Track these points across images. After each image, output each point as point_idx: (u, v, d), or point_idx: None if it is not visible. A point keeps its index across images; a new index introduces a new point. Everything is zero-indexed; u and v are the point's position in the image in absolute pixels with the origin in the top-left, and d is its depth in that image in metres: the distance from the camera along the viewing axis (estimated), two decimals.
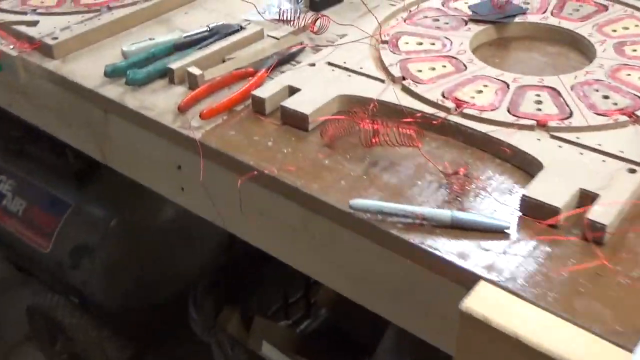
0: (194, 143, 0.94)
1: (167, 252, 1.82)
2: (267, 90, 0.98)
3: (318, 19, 1.15)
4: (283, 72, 1.06)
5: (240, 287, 1.47)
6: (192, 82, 1.03)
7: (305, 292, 1.53)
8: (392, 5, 1.23)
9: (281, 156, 0.90)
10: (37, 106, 1.17)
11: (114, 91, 1.03)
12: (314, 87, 0.98)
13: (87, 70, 1.08)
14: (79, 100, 1.07)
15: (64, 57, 1.12)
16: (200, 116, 0.96)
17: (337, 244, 0.85)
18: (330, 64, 1.04)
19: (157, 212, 1.81)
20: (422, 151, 0.86)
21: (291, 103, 0.95)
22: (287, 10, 1.20)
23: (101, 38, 1.16)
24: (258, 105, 0.97)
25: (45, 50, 1.11)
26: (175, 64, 1.04)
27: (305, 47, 1.11)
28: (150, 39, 1.12)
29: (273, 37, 1.13)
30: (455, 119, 0.91)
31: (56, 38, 1.12)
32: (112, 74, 1.05)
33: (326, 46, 1.11)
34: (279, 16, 1.18)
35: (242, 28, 1.15)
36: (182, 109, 0.98)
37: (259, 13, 1.19)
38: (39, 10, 1.20)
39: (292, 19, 1.17)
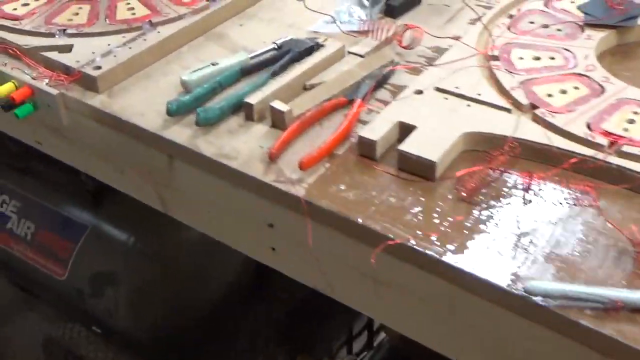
0: (294, 200, 0.77)
1: (194, 272, 1.67)
2: (375, 130, 0.81)
3: (407, 29, 0.97)
4: (380, 100, 0.89)
5: (309, 332, 1.31)
6: (277, 119, 0.85)
7: (369, 322, 1.38)
8: (482, 6, 1.06)
9: (411, 217, 0.73)
10: (76, 146, 0.98)
11: (181, 133, 0.86)
12: (430, 123, 0.81)
13: (141, 105, 0.90)
14: (136, 143, 0.89)
15: (110, 89, 0.93)
16: (300, 166, 0.78)
17: (493, 328, 0.69)
18: (439, 90, 0.87)
19: (181, 230, 1.66)
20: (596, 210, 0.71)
21: (410, 147, 0.78)
22: (366, 19, 1.02)
23: (149, 62, 0.98)
24: (366, 149, 0.80)
25: (88, 82, 0.92)
26: (253, 98, 0.87)
27: (397, 67, 0.94)
28: (212, 64, 0.93)
29: (355, 54, 0.96)
30: (613, 159, 0.75)
31: (99, 67, 0.93)
32: (177, 112, 0.87)
33: (423, 65, 0.94)
34: (358, 27, 1.00)
35: (318, 45, 0.97)
36: (273, 157, 0.80)
37: (337, 23, 1.01)
38: (69, 31, 1.01)
39: (373, 29, 0.99)
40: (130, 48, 0.97)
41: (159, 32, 1.00)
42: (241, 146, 0.83)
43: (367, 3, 1.05)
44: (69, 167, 1.71)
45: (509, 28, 0.97)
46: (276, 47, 0.98)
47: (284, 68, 0.94)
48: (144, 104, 0.91)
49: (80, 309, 1.62)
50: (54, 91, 0.89)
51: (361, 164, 0.80)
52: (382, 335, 1.45)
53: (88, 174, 1.01)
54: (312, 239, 0.76)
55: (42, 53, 0.97)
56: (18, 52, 0.97)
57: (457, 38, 0.97)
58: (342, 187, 0.77)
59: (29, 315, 1.94)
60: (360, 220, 0.73)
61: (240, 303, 1.77)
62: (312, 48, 0.98)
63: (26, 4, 1.08)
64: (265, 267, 0.86)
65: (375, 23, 1.00)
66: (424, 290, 0.72)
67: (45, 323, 1.81)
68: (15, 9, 1.06)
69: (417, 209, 0.74)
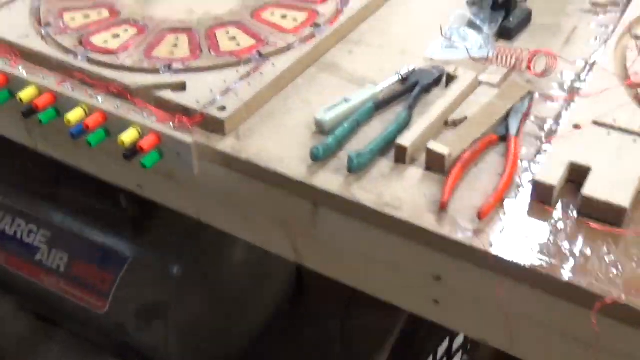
0: (474, 252, 0.72)
1: (240, 299, 1.63)
2: (551, 173, 0.76)
3: (537, 54, 0.93)
4: (530, 135, 0.85)
5: None
6: (434, 162, 0.80)
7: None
8: (597, 26, 1.02)
9: (612, 269, 0.69)
10: (189, 192, 0.91)
11: (330, 181, 0.80)
12: (602, 163, 0.77)
13: (276, 149, 0.84)
14: (273, 190, 0.83)
15: (236, 131, 0.87)
16: (478, 216, 0.74)
17: None
18: (598, 123, 0.82)
19: (224, 256, 1.61)
20: None
21: (595, 191, 0.74)
22: (485, 43, 0.97)
23: (268, 98, 0.92)
24: (542, 194, 0.76)
25: (212, 125, 0.86)
26: (405, 140, 0.81)
27: (533, 97, 0.90)
28: (345, 100, 0.87)
29: (488, 84, 0.91)
30: None
31: (224, 108, 0.86)
32: (323, 156, 0.81)
33: (565, 95, 0.90)
34: (485, 52, 0.96)
35: (449, 75, 0.91)
36: (445, 207, 0.75)
37: (459, 48, 0.96)
38: (175, 66, 0.93)
39: (499, 54, 0.95)
40: (249, 84, 0.90)
41: (273, 64, 0.93)
42: (401, 193, 0.78)
43: (482, 25, 1.00)
44: (103, 192, 1.64)
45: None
46: (401, 77, 0.93)
47: (416, 101, 0.89)
48: (278, 147, 0.84)
49: (122, 342, 1.56)
50: (187, 139, 0.82)
51: (536, 210, 0.76)
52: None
53: (201, 220, 0.94)
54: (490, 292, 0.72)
55: (155, 93, 0.89)
56: (126, 92, 0.90)
57: (592, 64, 0.93)
58: (526, 236, 0.73)
59: (44, 343, 1.85)
60: (565, 278, 0.68)
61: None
62: (440, 78, 0.93)
63: (116, 36, 1.00)
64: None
65: (502, 48, 0.95)
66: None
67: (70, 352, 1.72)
68: (106, 42, 0.98)
69: (611, 258, 0.70)
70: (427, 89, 0.92)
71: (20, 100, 0.89)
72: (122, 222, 1.62)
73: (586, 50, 0.98)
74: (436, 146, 0.80)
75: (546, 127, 0.86)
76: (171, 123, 0.86)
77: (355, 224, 0.80)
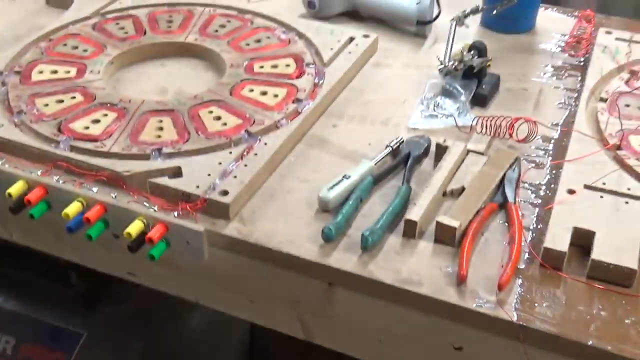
0: (498, 323, 0.74)
1: None
2: (560, 240, 0.79)
3: (518, 122, 0.97)
4: (526, 201, 0.88)
5: None
6: (444, 235, 0.82)
7: None
8: (557, 88, 1.08)
9: (633, 332, 0.72)
10: (188, 276, 0.90)
11: (345, 260, 0.80)
12: (603, 226, 0.81)
13: (284, 231, 0.84)
14: (285, 272, 0.83)
15: (239, 214, 0.86)
16: (499, 287, 0.76)
17: None
18: (590, 187, 0.87)
19: (181, 325, 1.59)
20: None
21: (603, 255, 0.77)
22: (462, 111, 1.01)
23: (265, 178, 0.92)
24: (553, 260, 0.79)
25: (216, 210, 0.85)
26: (414, 214, 0.83)
27: (521, 163, 0.94)
28: (345, 177, 0.89)
29: (475, 152, 0.94)
30: None
31: (226, 192, 0.86)
32: (336, 235, 0.82)
33: (549, 161, 0.94)
34: (468, 120, 0.99)
35: (441, 146, 0.94)
36: (464, 279, 0.77)
37: (455, 120, 0.99)
38: (165, 151, 0.92)
39: (481, 123, 0.98)
40: (246, 165, 0.90)
41: (265, 143, 0.94)
42: (418, 268, 0.79)
43: (458, 93, 1.04)
44: (49, 270, 1.58)
45: (610, 113, 0.99)
46: (391, 148, 0.95)
47: (411, 173, 0.91)
48: (284, 228, 0.84)
49: None
50: (199, 227, 0.81)
51: (549, 276, 0.79)
52: None
53: (199, 302, 0.92)
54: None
55: (150, 180, 0.87)
56: (119, 180, 0.88)
57: (569, 129, 0.98)
58: (545, 304, 0.75)
59: None
60: (591, 342, 0.71)
61: None
62: (428, 148, 0.95)
63: (97, 121, 0.98)
64: None
65: (482, 116, 0.99)
66: None
67: None
68: (87, 128, 0.96)
69: (631, 320, 0.73)
70: (418, 160, 0.94)
71: (9, 195, 0.85)
72: (73, 299, 1.57)
73: (557, 114, 1.03)
74: (446, 220, 0.82)
75: (540, 192, 0.89)
76: (176, 211, 0.84)
77: (371, 300, 0.80)
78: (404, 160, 0.93)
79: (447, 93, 1.06)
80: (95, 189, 0.88)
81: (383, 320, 0.81)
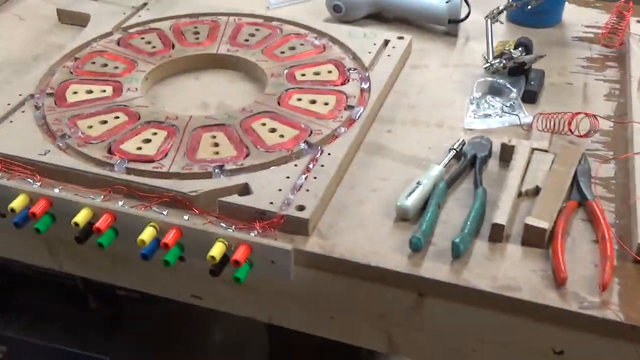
0: (607, 324, 0.73)
1: None
2: None
3: (578, 116, 0.96)
4: (602, 197, 0.87)
5: None
6: (533, 237, 0.81)
7: None
8: (601, 80, 1.08)
9: None
10: (261, 297, 0.87)
11: (436, 269, 0.79)
12: None
13: (366, 243, 0.82)
14: (371, 286, 0.80)
15: (316, 229, 0.83)
16: (601, 287, 0.75)
17: None
18: None
19: (203, 342, 1.56)
20: None
21: None
22: (521, 110, 1.00)
23: (334, 190, 0.89)
24: None
25: (294, 226, 0.82)
26: (500, 218, 0.81)
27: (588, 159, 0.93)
28: (418, 184, 0.86)
29: (539, 150, 0.93)
30: None
31: (303, 207, 0.83)
32: (424, 244, 0.80)
33: (619, 156, 0.94)
34: (531, 119, 0.98)
35: (507, 146, 0.93)
36: (563, 282, 0.76)
37: (519, 119, 0.98)
38: (227, 167, 0.89)
39: (541, 120, 0.97)
40: (315, 178, 0.87)
41: (329, 154, 0.91)
42: (513, 273, 0.78)
43: (509, 91, 1.03)
44: (68, 295, 1.53)
45: None
46: (455, 151, 0.93)
47: (482, 175, 0.90)
48: (366, 241, 0.82)
49: None
50: (286, 246, 0.78)
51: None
52: None
53: (273, 322, 0.89)
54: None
55: (221, 199, 0.84)
56: (186, 202, 0.84)
57: (623, 120, 0.98)
58: None
59: None
60: None
61: None
62: (491, 148, 0.94)
63: (147, 140, 0.94)
64: None
65: (541, 113, 0.98)
66: None
67: None
68: (139, 148, 0.92)
69: None
70: (484, 161, 0.92)
71: (76, 224, 0.81)
72: (93, 324, 1.54)
73: (606, 106, 1.03)
74: (535, 221, 0.80)
75: (612, 187, 0.89)
76: (254, 231, 0.81)
77: (465, 308, 0.78)
78: (470, 162, 0.92)
79: (495, 91, 1.05)
80: (165, 212, 0.84)
81: (478, 328, 0.79)
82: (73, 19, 1.25)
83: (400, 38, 1.15)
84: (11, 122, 0.97)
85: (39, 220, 0.83)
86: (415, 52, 1.17)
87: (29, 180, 0.88)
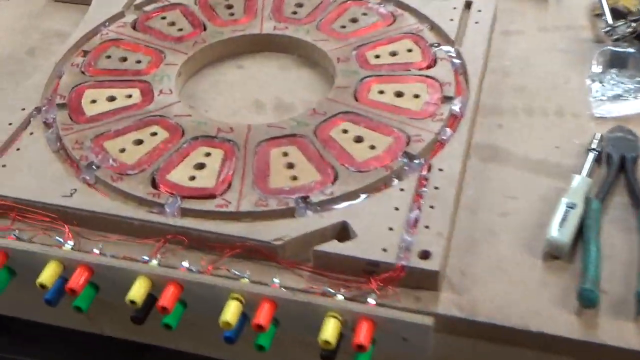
0: None
1: None
2: None
3: None
4: None
5: None
6: None
7: None
8: None
9: None
10: None
11: (619, 332, 0.59)
12: None
13: (512, 296, 0.62)
14: (524, 354, 0.61)
15: (447, 279, 0.63)
16: None
17: None
18: None
19: None
20: None
21: None
22: None
23: (455, 218, 0.69)
24: None
25: (417, 279, 0.62)
26: None
27: None
28: (569, 207, 0.66)
29: None
30: None
31: (427, 253, 0.63)
32: (598, 296, 0.60)
33: None
34: None
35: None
36: None
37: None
38: (313, 198, 0.68)
39: None
40: (432, 207, 0.67)
41: (440, 169, 0.70)
42: None
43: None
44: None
45: None
46: (597, 153, 0.73)
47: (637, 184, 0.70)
48: (513, 291, 0.63)
49: None
50: (426, 320, 0.58)
51: None
52: None
53: None
54: None
55: (317, 248, 0.64)
56: (267, 252, 0.64)
57: None
58: None
59: None
60: None
61: None
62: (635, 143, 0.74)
63: (201, 165, 0.72)
64: None
65: None
66: None
67: None
68: (193, 178, 0.71)
69: None
70: (634, 163, 0.72)
71: (133, 302, 0.60)
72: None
73: None
74: None
75: None
76: (370, 293, 0.61)
77: None
78: (617, 166, 0.72)
79: (620, 63, 0.84)
80: (247, 273, 0.63)
81: None
82: None
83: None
84: (18, 150, 0.76)
85: (78, 297, 0.62)
86: (502, 14, 0.95)
87: (57, 238, 0.66)
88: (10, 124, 0.78)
